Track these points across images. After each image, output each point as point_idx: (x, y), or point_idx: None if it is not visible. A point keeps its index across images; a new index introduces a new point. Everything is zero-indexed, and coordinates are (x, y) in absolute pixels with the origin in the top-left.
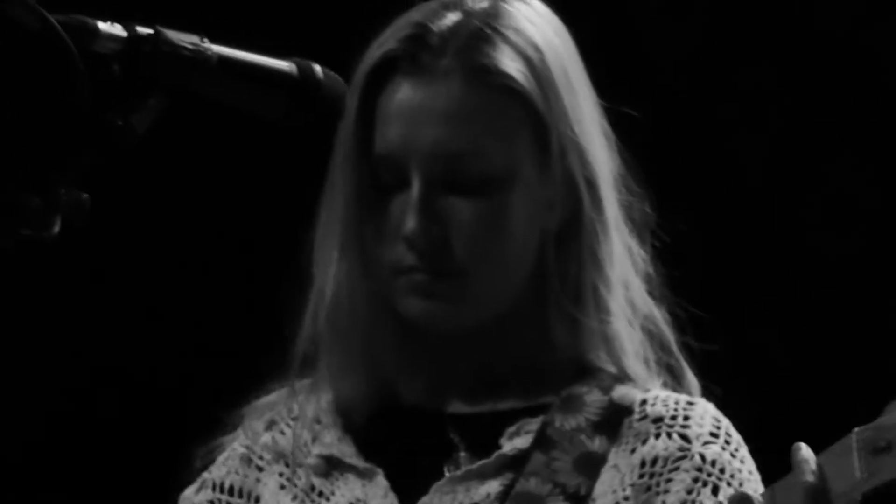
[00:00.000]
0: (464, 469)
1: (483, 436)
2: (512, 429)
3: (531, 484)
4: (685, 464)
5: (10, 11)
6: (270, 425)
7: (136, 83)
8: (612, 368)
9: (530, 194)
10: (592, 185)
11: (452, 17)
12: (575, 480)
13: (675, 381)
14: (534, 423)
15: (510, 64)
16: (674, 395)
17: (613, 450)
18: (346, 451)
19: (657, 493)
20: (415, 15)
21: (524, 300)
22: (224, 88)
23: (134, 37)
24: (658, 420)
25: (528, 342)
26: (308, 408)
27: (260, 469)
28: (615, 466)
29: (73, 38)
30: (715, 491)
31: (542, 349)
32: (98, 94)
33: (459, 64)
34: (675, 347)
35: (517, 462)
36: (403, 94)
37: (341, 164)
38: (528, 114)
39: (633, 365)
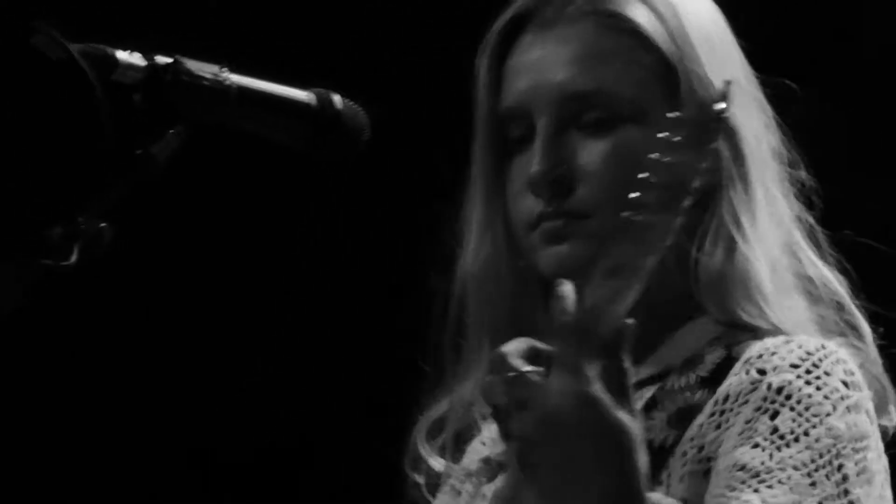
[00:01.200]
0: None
1: None
2: None
3: None
4: (753, 395)
5: (34, 41)
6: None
7: (157, 113)
8: (762, 324)
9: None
10: (737, 144)
11: None
12: (663, 434)
13: (857, 338)
14: (650, 391)
15: (639, 12)
16: (783, 338)
17: (711, 400)
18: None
19: (726, 430)
20: None
21: (667, 258)
22: (243, 118)
23: (154, 66)
24: (746, 360)
25: (671, 300)
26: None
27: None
28: (703, 413)
29: (94, 68)
30: (774, 416)
31: (684, 307)
32: (118, 123)
33: (587, 10)
34: (849, 304)
35: None
36: (531, 46)
37: (478, 136)
38: (658, 61)
39: (789, 324)
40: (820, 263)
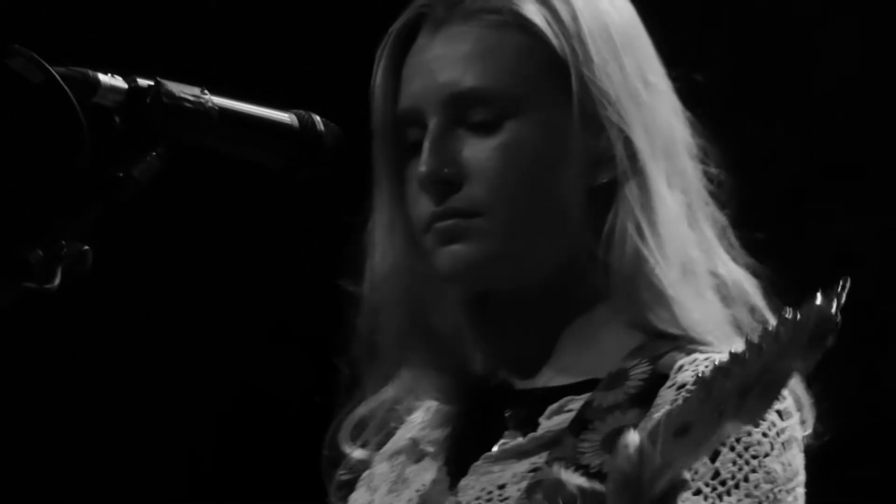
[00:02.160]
0: (500, 449)
1: (531, 413)
2: (554, 407)
3: (554, 468)
4: None
5: (11, 64)
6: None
7: (138, 135)
8: (679, 332)
9: (554, 137)
10: (630, 140)
11: None
12: (599, 459)
13: None
14: (578, 402)
15: (531, 9)
16: (714, 357)
17: (642, 423)
18: (422, 435)
19: None
20: None
21: (577, 261)
22: (225, 140)
23: (135, 89)
24: (682, 387)
25: (586, 307)
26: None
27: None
28: None
29: (75, 90)
30: (714, 457)
31: (602, 315)
32: (99, 146)
33: (477, 8)
34: (762, 307)
35: (554, 442)
36: (423, 48)
37: (377, 141)
38: (549, 57)
39: (704, 327)
40: (732, 264)
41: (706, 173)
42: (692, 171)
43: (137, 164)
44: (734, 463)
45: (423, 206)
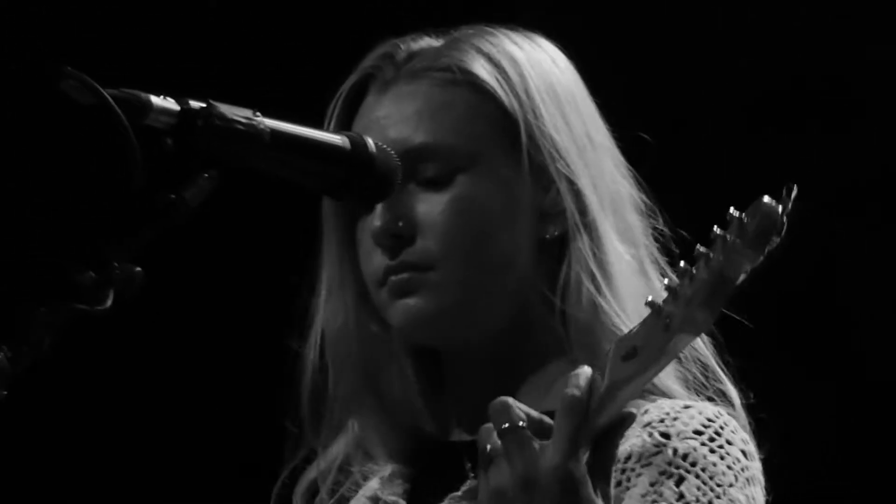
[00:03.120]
0: (467, 489)
1: None
2: None
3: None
4: (657, 459)
5: (64, 87)
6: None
7: (189, 157)
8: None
9: (505, 191)
10: (580, 193)
11: (427, 38)
12: None
13: (721, 397)
14: None
15: (477, 64)
16: (680, 403)
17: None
18: (382, 493)
19: (626, 489)
20: (391, 40)
21: (530, 314)
22: (276, 162)
23: (187, 111)
24: (647, 424)
25: (541, 359)
26: (355, 458)
27: None
28: None
29: (127, 112)
30: (679, 482)
31: (558, 367)
32: (151, 168)
33: (425, 66)
34: (714, 365)
35: None
36: (371, 108)
37: (325, 202)
38: (498, 112)
39: (664, 380)
40: None
41: (654, 228)
42: (639, 226)
43: (189, 186)
44: (699, 488)
45: (376, 260)
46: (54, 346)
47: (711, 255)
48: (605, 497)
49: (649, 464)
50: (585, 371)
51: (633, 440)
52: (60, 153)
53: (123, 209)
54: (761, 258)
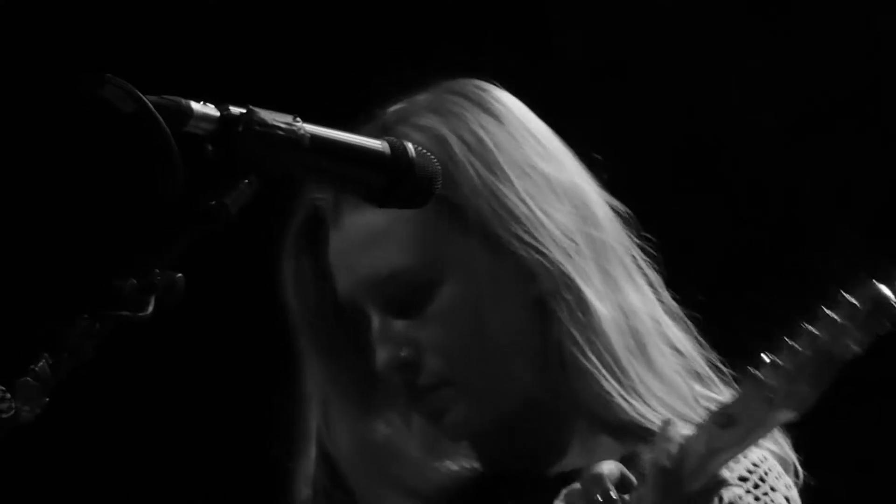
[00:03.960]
0: None
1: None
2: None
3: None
4: None
5: (105, 93)
6: None
7: (229, 163)
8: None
9: (483, 284)
10: (546, 252)
11: None
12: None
13: None
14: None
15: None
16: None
17: None
18: None
19: None
20: None
21: (542, 377)
22: (316, 168)
23: (227, 117)
24: None
25: (556, 419)
26: None
27: None
28: None
29: (167, 119)
30: None
31: (570, 425)
32: (191, 174)
33: None
34: (719, 385)
35: None
36: (333, 241)
37: (303, 330)
38: (446, 207)
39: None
40: (687, 343)
41: (642, 248)
42: (621, 251)
43: (229, 192)
44: None
45: (395, 384)
46: (96, 352)
47: (818, 333)
48: None
49: None
50: (674, 439)
51: None
52: (101, 161)
53: (164, 216)
54: (870, 342)
